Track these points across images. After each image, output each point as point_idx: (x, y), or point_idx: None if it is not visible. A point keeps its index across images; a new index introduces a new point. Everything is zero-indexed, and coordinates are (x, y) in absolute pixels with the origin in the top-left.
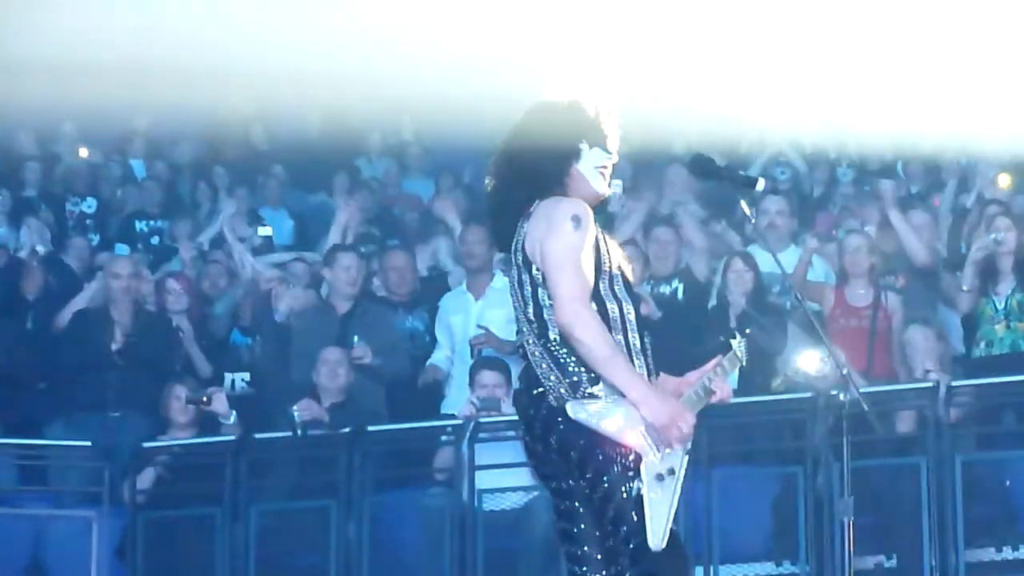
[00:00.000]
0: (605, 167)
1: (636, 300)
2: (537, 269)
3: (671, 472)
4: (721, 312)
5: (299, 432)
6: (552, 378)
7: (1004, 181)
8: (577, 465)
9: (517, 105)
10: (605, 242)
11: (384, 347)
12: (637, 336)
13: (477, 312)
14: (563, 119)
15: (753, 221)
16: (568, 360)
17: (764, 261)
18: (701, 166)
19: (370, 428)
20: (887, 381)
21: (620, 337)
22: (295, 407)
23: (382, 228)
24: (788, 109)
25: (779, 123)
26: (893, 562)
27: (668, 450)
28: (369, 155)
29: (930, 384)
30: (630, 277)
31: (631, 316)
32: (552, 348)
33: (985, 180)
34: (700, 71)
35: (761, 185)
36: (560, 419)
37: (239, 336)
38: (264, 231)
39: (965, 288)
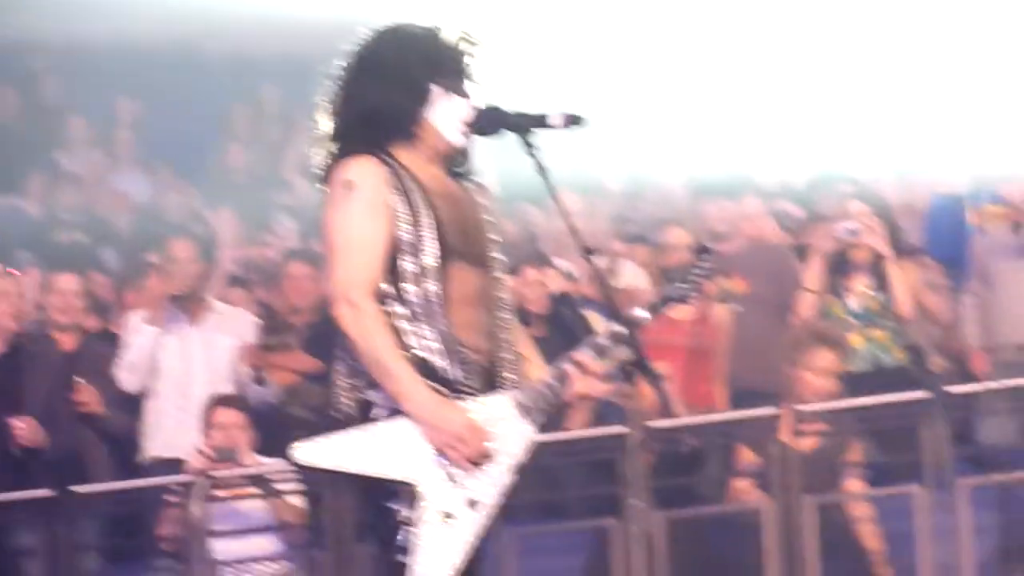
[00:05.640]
0: (465, 118)
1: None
2: None
3: (472, 504)
4: None
5: None
6: (339, 375)
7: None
8: None
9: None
10: (423, 206)
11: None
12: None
13: (201, 340)
14: (416, 50)
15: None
16: (343, 356)
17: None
18: (489, 119)
19: (76, 489)
20: (712, 411)
21: (423, 329)
22: None
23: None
24: None
25: None
26: None
27: (470, 475)
28: (71, 146)
29: (772, 412)
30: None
31: (442, 295)
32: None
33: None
34: None
35: (559, 120)
36: None
37: None
38: None
39: (808, 288)
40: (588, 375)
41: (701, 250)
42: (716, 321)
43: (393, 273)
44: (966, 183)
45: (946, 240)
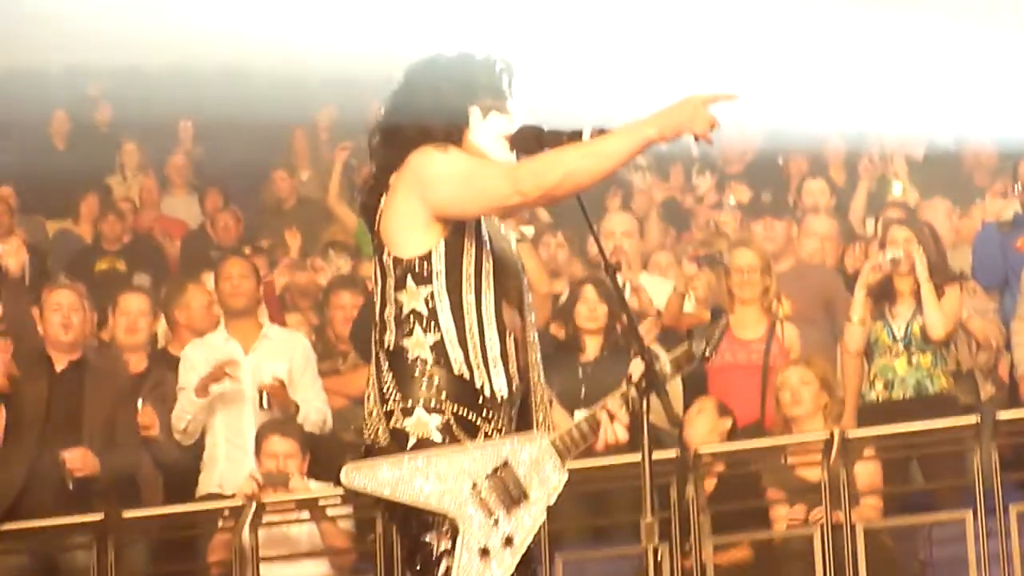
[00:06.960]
0: (506, 135)
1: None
2: (388, 254)
3: (508, 542)
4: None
5: None
6: (371, 402)
7: (898, 188)
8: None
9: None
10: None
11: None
12: (496, 341)
13: (252, 366)
14: (451, 78)
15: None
16: (387, 380)
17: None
18: (525, 138)
19: (127, 514)
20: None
21: (475, 338)
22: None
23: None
24: None
25: None
26: None
27: (506, 512)
28: (124, 171)
29: (823, 436)
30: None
31: (490, 314)
32: (379, 361)
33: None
34: None
35: (592, 136)
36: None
37: None
38: None
39: (855, 319)
40: (616, 423)
41: (717, 312)
42: (786, 339)
43: (452, 280)
44: (1014, 210)
45: (994, 266)
